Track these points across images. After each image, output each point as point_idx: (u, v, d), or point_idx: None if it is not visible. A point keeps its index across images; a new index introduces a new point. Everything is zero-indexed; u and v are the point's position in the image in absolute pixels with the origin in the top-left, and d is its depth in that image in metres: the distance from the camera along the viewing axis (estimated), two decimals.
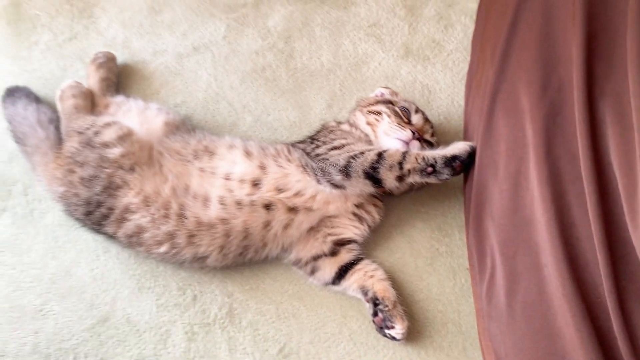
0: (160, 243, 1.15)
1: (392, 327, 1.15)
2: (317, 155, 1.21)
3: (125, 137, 1.19)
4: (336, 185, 1.16)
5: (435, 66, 1.51)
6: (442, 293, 1.25)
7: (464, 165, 1.13)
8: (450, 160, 1.11)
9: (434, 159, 1.11)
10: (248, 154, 1.22)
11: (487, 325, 1.06)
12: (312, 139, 1.30)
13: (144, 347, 1.20)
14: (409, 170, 1.11)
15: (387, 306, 1.15)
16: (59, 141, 1.28)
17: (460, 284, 1.26)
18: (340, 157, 1.15)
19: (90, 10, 1.57)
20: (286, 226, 1.19)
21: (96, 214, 1.17)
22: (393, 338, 1.16)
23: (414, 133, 1.22)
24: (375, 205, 1.27)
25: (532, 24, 1.07)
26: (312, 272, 1.24)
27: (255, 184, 1.18)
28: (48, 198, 1.32)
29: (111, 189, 1.15)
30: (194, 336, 1.21)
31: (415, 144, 1.22)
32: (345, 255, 1.24)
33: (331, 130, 1.30)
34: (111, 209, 1.16)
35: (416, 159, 1.11)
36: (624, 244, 0.80)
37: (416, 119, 1.29)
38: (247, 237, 1.17)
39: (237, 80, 1.50)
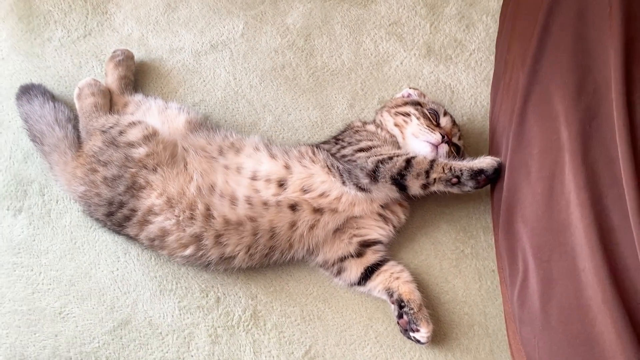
0: (185, 246, 1.13)
1: (417, 330, 1.14)
2: (343, 156, 1.20)
3: (151, 136, 1.17)
4: (362, 189, 1.15)
5: (457, 66, 1.50)
6: (468, 295, 1.25)
7: (488, 179, 1.15)
8: (476, 174, 1.13)
9: (461, 170, 1.12)
10: (272, 156, 1.21)
11: (519, 329, 1.05)
12: (337, 139, 1.28)
13: (167, 351, 1.18)
14: (434, 179, 1.12)
15: (412, 309, 1.15)
16: (77, 140, 1.26)
17: (487, 286, 1.26)
18: (368, 161, 1.14)
19: (104, 6, 1.53)
20: (312, 227, 1.18)
21: (118, 215, 1.15)
22: (417, 341, 1.15)
23: (443, 136, 1.21)
24: (401, 205, 1.26)
25: (566, 24, 1.06)
26: (338, 273, 1.23)
27: (281, 184, 1.17)
28: (65, 198, 1.30)
29: (134, 189, 1.14)
30: (218, 339, 1.19)
31: (444, 147, 1.21)
32: (371, 257, 1.23)
33: (357, 131, 1.28)
34: (134, 210, 1.14)
35: (443, 168, 1.12)
36: None
37: (445, 121, 1.28)
38: (274, 237, 1.16)
39: (256, 78, 1.47)
